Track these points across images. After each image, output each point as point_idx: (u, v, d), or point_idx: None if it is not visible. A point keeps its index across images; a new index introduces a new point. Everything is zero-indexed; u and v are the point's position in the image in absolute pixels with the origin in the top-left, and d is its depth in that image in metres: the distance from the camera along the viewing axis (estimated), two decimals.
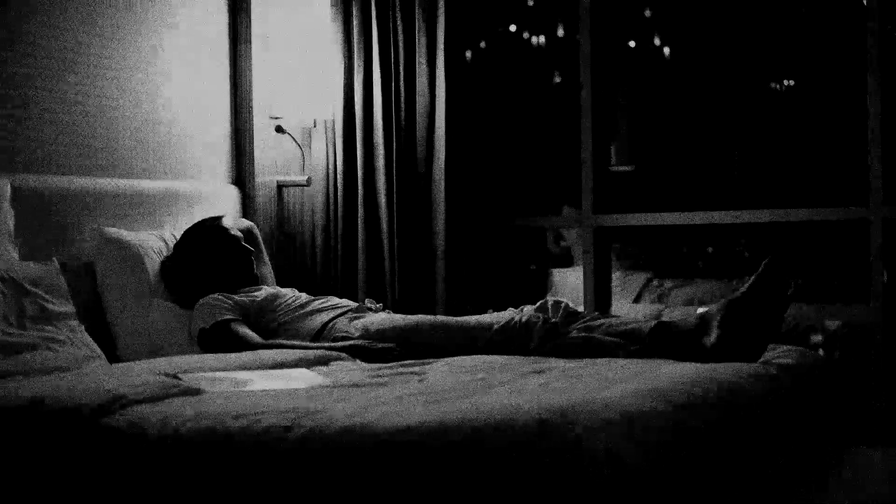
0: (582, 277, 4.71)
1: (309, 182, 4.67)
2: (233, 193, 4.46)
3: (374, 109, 4.55)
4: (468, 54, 5.46)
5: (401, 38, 4.52)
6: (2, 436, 2.54)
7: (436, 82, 4.49)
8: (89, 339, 3.40)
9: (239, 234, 3.98)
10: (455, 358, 3.25)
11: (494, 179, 5.18)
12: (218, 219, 3.99)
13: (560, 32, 5.90)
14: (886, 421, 4.19)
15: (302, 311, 3.79)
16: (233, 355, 3.34)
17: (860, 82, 4.28)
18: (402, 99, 4.52)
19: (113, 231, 3.79)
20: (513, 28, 5.97)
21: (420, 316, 3.74)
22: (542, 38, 6.00)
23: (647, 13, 5.84)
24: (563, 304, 3.49)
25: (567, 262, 6.47)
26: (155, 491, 2.37)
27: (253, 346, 3.57)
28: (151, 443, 2.40)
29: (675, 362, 3.05)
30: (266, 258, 4.26)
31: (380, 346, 3.50)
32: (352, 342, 3.54)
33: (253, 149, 4.52)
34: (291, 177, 4.68)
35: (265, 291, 3.89)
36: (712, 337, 3.15)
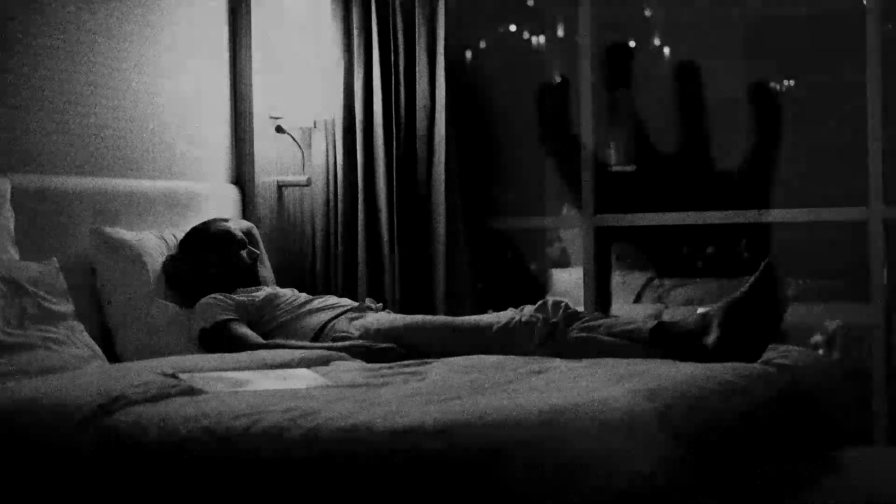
0: (581, 277, 4.71)
1: (309, 182, 4.67)
2: (233, 193, 4.46)
3: (374, 109, 4.55)
4: (468, 54, 5.45)
5: (401, 38, 4.52)
6: (1, 436, 2.54)
7: (436, 82, 4.49)
8: (89, 339, 3.40)
9: (243, 237, 3.99)
10: (455, 358, 3.25)
11: (494, 179, 5.18)
12: (222, 220, 4.01)
13: (560, 32, 5.91)
14: (886, 421, 4.19)
15: (301, 311, 3.80)
16: (233, 355, 3.34)
17: (860, 82, 4.28)
18: (402, 99, 4.52)
19: (113, 231, 3.79)
20: (513, 28, 5.97)
21: (420, 316, 3.74)
22: (542, 39, 6.00)
23: (647, 13, 5.84)
24: (563, 304, 3.49)
25: (565, 262, 6.47)
26: (155, 491, 2.37)
27: (253, 346, 3.57)
28: (151, 443, 2.40)
29: (675, 362, 3.05)
30: (266, 258, 4.26)
31: (380, 346, 3.50)
32: (352, 342, 3.54)
33: (253, 149, 4.52)
34: (291, 177, 4.68)
35: (265, 291, 3.89)
36: (712, 337, 3.16)
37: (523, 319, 3.46)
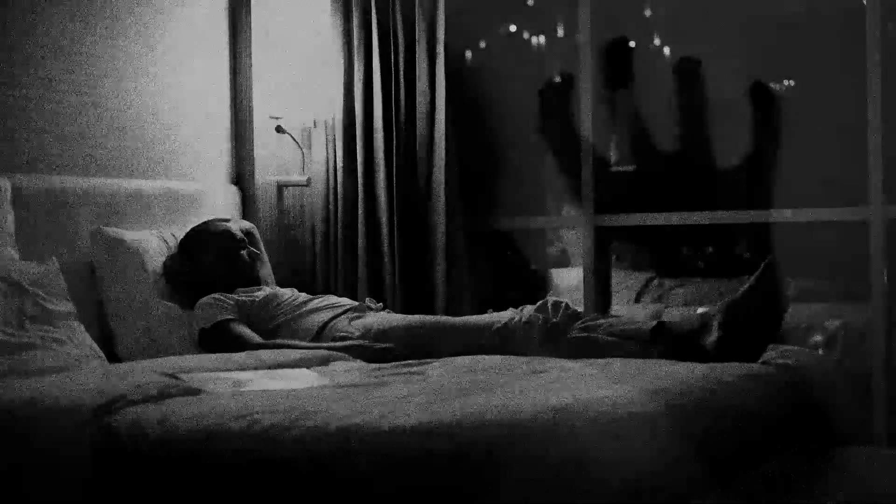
0: (581, 277, 4.71)
1: (309, 182, 4.67)
2: (233, 193, 4.46)
3: (374, 110, 4.55)
4: (468, 54, 5.45)
5: (401, 38, 4.52)
6: (1, 436, 2.54)
7: (436, 82, 4.49)
8: (89, 339, 3.40)
9: (243, 237, 3.99)
10: (455, 358, 3.25)
11: (494, 179, 5.19)
12: (222, 220, 4.01)
13: (560, 32, 5.90)
14: (886, 421, 4.19)
15: (301, 311, 3.80)
16: (233, 355, 3.34)
17: (860, 82, 4.27)
18: (402, 99, 4.52)
19: (113, 231, 3.79)
20: (513, 28, 5.97)
21: (420, 316, 3.74)
22: (542, 38, 6.00)
23: (647, 13, 5.84)
24: (563, 304, 3.49)
25: (565, 262, 6.46)
26: (155, 491, 2.37)
27: (253, 346, 3.58)
28: (151, 443, 2.40)
29: (675, 362, 3.05)
30: (266, 258, 4.26)
31: (380, 346, 3.50)
32: (352, 342, 3.54)
33: (253, 149, 4.52)
34: (291, 177, 4.67)
35: (265, 291, 3.89)
36: (712, 337, 3.16)
37: (523, 319, 3.46)
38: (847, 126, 4.55)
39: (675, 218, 4.67)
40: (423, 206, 4.53)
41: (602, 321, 3.42)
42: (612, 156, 5.68)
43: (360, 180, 4.56)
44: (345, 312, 3.77)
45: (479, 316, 3.65)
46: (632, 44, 5.52)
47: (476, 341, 3.46)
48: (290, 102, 4.58)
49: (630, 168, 5.98)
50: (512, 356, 3.28)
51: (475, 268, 4.62)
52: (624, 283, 6.08)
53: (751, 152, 5.29)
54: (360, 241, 4.55)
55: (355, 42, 4.56)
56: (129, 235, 3.81)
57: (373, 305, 3.88)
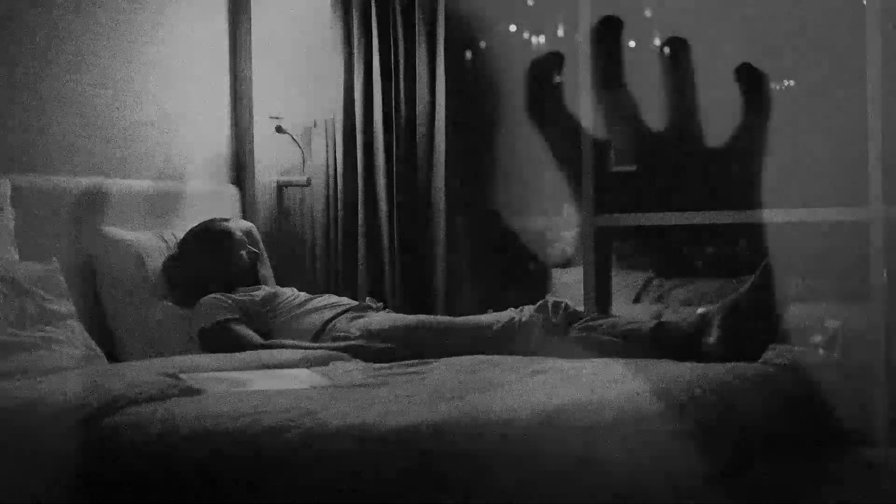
0: (582, 277, 4.71)
1: (309, 182, 4.67)
2: (233, 193, 4.46)
3: (374, 110, 4.55)
4: (468, 54, 5.45)
5: (401, 38, 4.52)
6: (2, 436, 2.54)
7: (436, 82, 4.49)
8: (89, 339, 3.40)
9: (243, 237, 3.99)
10: (455, 358, 3.25)
11: (494, 179, 5.19)
12: (222, 220, 4.01)
13: (560, 32, 5.91)
14: (886, 421, 4.19)
15: (301, 310, 3.80)
16: (233, 355, 3.34)
17: (860, 82, 4.27)
18: (402, 99, 4.52)
19: (113, 231, 3.79)
20: (513, 28, 5.97)
21: (420, 316, 3.74)
22: (542, 39, 6.00)
23: (648, 13, 5.84)
24: (563, 304, 3.49)
25: (565, 262, 6.46)
26: (155, 491, 2.37)
27: (253, 346, 3.58)
28: (151, 443, 2.40)
29: (675, 362, 3.05)
30: (266, 258, 4.26)
31: (380, 346, 3.50)
32: (352, 342, 3.54)
33: (253, 149, 4.52)
34: (291, 177, 4.67)
35: (265, 291, 3.90)
36: (712, 337, 3.16)
37: (523, 319, 3.46)
38: (847, 126, 4.55)
39: (674, 218, 4.67)
40: (422, 205, 4.53)
41: (602, 321, 3.42)
42: (612, 156, 5.69)
43: (360, 180, 4.56)
44: (345, 312, 3.77)
45: (479, 316, 3.65)
46: (631, 43, 5.52)
47: (476, 341, 3.46)
48: (290, 102, 4.58)
49: (630, 168, 5.99)
50: (512, 356, 3.28)
51: (475, 268, 4.62)
52: (624, 283, 6.07)
53: (739, 133, 5.28)
54: (360, 241, 4.55)
55: (355, 42, 4.56)
56: (129, 235, 3.81)
57: (373, 305, 3.88)
